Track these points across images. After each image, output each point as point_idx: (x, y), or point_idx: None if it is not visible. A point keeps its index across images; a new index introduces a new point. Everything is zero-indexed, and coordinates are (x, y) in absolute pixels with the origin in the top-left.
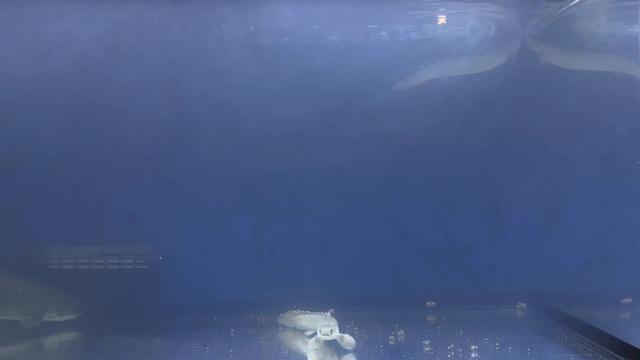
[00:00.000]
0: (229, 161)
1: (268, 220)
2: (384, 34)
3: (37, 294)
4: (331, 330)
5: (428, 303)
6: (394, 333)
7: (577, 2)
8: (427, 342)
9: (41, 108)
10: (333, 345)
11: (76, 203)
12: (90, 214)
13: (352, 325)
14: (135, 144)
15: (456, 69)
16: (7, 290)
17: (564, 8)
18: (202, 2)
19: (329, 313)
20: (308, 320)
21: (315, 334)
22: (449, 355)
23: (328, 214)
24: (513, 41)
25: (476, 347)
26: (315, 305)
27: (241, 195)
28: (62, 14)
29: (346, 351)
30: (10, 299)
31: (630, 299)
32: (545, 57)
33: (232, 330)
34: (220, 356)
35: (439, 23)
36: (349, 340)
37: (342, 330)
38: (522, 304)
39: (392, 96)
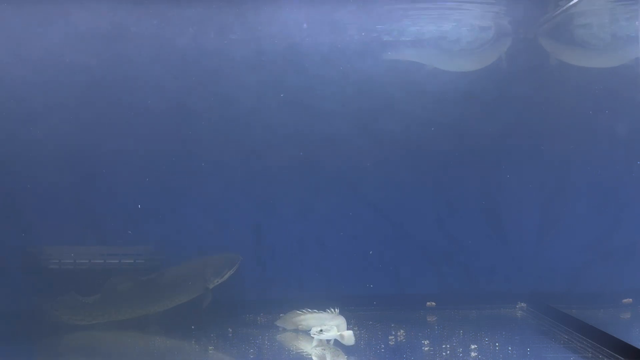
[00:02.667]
0: (229, 162)
1: (268, 220)
2: (381, 34)
3: (196, 270)
4: (320, 330)
5: (428, 303)
6: (394, 333)
7: (579, 1)
8: (427, 342)
9: (41, 109)
10: (336, 345)
11: (76, 203)
12: (90, 214)
13: (352, 325)
14: (136, 144)
15: (443, 62)
16: (177, 277)
17: (568, 5)
18: (204, 3)
19: (337, 310)
20: (315, 319)
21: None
22: (449, 356)
23: (328, 214)
24: (504, 40)
25: (476, 347)
26: (315, 305)
27: (241, 195)
28: (63, 15)
29: (349, 351)
30: (179, 283)
31: (631, 299)
32: (556, 55)
33: (230, 330)
34: (222, 357)
35: None
36: (349, 337)
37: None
38: (522, 304)
39: (393, 97)
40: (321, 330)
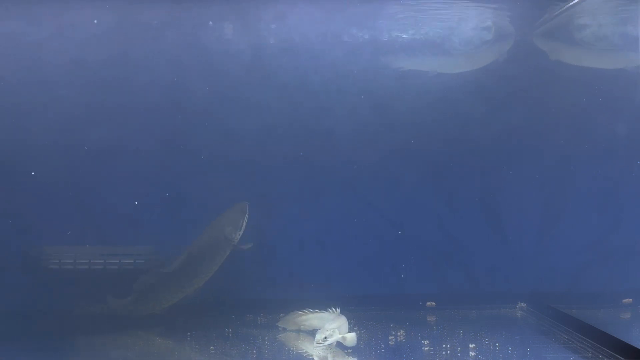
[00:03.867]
0: (229, 161)
1: (269, 220)
2: (380, 33)
3: (217, 234)
4: (325, 338)
5: (428, 303)
6: (394, 333)
7: (578, 2)
8: (427, 342)
9: (41, 109)
10: (338, 346)
11: (76, 203)
12: (90, 214)
13: (352, 325)
14: (135, 144)
15: (446, 65)
16: (203, 249)
17: (568, 6)
18: (203, 2)
19: (338, 310)
20: (317, 319)
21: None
22: (449, 356)
23: (328, 214)
24: (504, 40)
25: (476, 347)
26: (316, 304)
27: (241, 195)
28: (62, 15)
29: (351, 351)
30: (207, 256)
31: (631, 299)
32: (554, 54)
33: (230, 330)
34: (223, 357)
35: None
36: (351, 339)
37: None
38: (522, 304)
39: (392, 96)
40: (325, 338)
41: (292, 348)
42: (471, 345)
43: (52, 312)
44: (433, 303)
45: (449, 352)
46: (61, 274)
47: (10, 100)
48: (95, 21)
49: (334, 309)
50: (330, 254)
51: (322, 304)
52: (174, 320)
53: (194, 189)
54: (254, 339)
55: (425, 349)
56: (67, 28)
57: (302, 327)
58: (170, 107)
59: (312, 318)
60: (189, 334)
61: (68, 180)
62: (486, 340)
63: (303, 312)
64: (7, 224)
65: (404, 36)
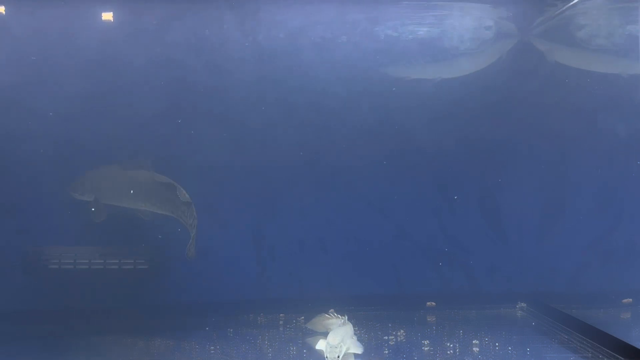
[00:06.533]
0: (230, 162)
1: (268, 220)
2: (380, 35)
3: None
4: (338, 357)
5: (428, 303)
6: (394, 333)
7: (576, 3)
8: (427, 342)
9: (41, 108)
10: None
11: (76, 203)
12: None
13: (352, 324)
14: (135, 144)
15: (449, 70)
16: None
17: (565, 7)
18: (203, 3)
19: (345, 317)
20: (332, 324)
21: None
22: (450, 356)
23: (328, 214)
24: (504, 41)
25: (476, 347)
26: (317, 305)
27: (241, 195)
28: (63, 14)
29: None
30: None
31: (631, 299)
32: (552, 55)
33: (230, 330)
34: (223, 357)
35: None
36: (355, 349)
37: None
38: (522, 304)
39: (392, 97)
40: (339, 357)
41: (291, 348)
42: (472, 346)
43: (52, 312)
44: (433, 303)
45: (449, 352)
46: (62, 273)
47: (11, 101)
48: (93, 21)
49: (341, 317)
50: (330, 254)
51: (323, 304)
52: (174, 320)
53: (194, 189)
54: (254, 339)
55: (425, 349)
56: (70, 26)
57: (329, 329)
58: (169, 109)
59: (336, 323)
60: (189, 333)
61: (68, 180)
62: (486, 340)
63: (330, 315)
64: (7, 224)
65: (405, 41)
